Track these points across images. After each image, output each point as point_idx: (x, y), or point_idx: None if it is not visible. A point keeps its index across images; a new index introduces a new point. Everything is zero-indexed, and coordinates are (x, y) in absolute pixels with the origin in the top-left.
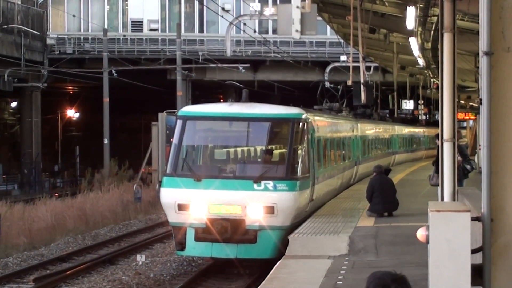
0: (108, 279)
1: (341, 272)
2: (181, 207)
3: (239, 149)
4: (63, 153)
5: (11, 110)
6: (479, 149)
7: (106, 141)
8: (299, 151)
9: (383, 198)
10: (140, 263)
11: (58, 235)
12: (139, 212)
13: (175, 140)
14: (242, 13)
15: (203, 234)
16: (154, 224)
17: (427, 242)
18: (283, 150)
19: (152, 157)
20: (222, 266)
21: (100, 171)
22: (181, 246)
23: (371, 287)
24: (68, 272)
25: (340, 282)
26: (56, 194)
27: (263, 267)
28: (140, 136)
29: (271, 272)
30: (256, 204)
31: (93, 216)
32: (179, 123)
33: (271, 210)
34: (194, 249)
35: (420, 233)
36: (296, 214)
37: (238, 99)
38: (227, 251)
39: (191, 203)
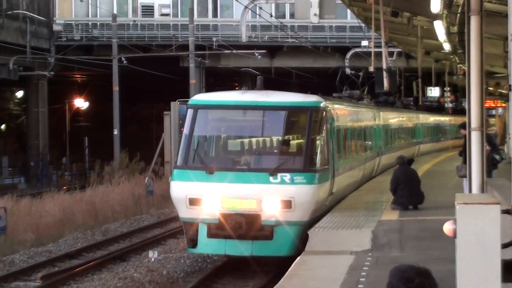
0: (119, 276)
1: (364, 268)
2: (192, 202)
3: (253, 140)
4: (71, 144)
5: (16, 100)
6: (509, 138)
7: (116, 132)
8: (318, 142)
9: (408, 190)
10: (153, 259)
11: (67, 231)
12: (151, 206)
13: (185, 130)
14: None
15: (216, 230)
16: (167, 218)
17: (455, 236)
18: (301, 141)
19: (164, 148)
20: (238, 263)
21: (110, 163)
22: (193, 243)
23: (394, 281)
24: (77, 269)
25: (363, 279)
26: (64, 187)
27: (281, 264)
28: (151, 126)
29: (290, 269)
30: (272, 198)
31: (103, 211)
32: (190, 112)
33: (288, 204)
34: (207, 246)
35: (447, 227)
36: (315, 208)
37: (254, 87)
38: (241, 248)
39: (203, 197)
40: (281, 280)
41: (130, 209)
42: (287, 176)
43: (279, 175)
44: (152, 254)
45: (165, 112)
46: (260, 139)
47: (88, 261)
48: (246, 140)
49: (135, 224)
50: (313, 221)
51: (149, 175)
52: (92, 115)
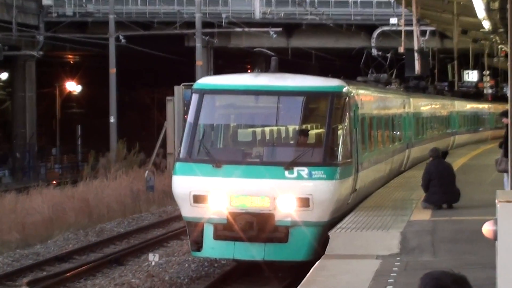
0: (115, 282)
1: (392, 274)
2: (197, 199)
3: (267, 129)
4: (62, 133)
5: (1, 83)
6: None
7: (112, 119)
8: (340, 132)
9: (442, 187)
10: (153, 263)
11: (56, 230)
12: (152, 203)
13: (190, 118)
14: None
15: (224, 232)
16: (169, 217)
17: (495, 238)
18: (320, 131)
19: (167, 138)
20: (249, 268)
21: (106, 155)
22: (198, 245)
23: None
24: (68, 274)
25: (391, 287)
26: (54, 182)
27: (298, 269)
28: (152, 113)
29: (308, 275)
30: (288, 196)
31: (97, 208)
32: (195, 97)
33: (305, 202)
34: (213, 249)
35: (487, 228)
36: (335, 207)
37: (268, 69)
38: (252, 252)
39: (209, 194)
40: (298, 287)
41: (128, 207)
42: (304, 171)
43: (295, 169)
44: (153, 258)
45: (168, 98)
46: (274, 128)
47: (81, 265)
48: (258, 130)
49: (134, 223)
50: (333, 221)
51: (150, 169)
52: (86, 100)
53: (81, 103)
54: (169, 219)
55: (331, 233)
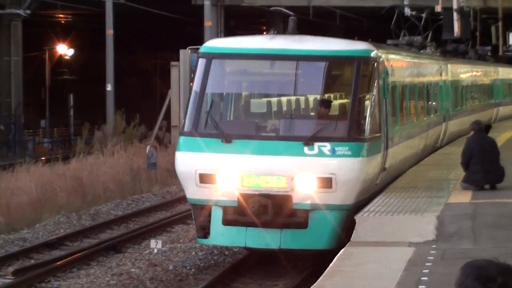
0: (112, 272)
1: (427, 264)
2: (203, 179)
3: (284, 99)
4: (52, 103)
5: None
6: None
7: (109, 87)
8: (367, 102)
9: (484, 165)
10: (155, 251)
11: (46, 213)
12: (154, 183)
13: (196, 86)
14: None
15: (234, 216)
16: (173, 199)
17: None
18: (345, 101)
19: (171, 109)
20: (264, 256)
21: (102, 127)
22: (204, 231)
23: (468, 280)
24: (58, 263)
25: (425, 278)
26: (43, 158)
27: (320, 259)
28: (155, 81)
29: (331, 264)
30: (308, 175)
31: (92, 188)
32: (201, 62)
33: (328, 183)
34: (222, 236)
35: None
36: (362, 188)
37: (285, 31)
38: (267, 239)
39: (218, 172)
40: (320, 278)
41: (127, 187)
42: (326, 147)
43: (316, 145)
44: (155, 244)
45: (172, 63)
46: (292, 98)
47: (73, 253)
48: (274, 100)
49: (133, 205)
50: (359, 204)
51: (152, 143)
52: (79, 66)
53: (73, 69)
54: (173, 201)
55: (357, 217)
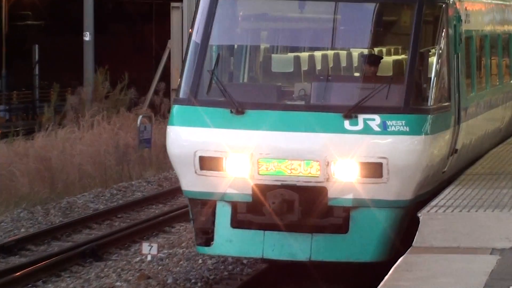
0: (91, 286)
1: None
2: (206, 164)
3: (317, 55)
4: (11, 58)
5: None
6: None
7: (88, 36)
8: (432, 59)
9: None
10: (149, 258)
11: (1, 206)
12: (148, 166)
13: (196, 35)
14: None
15: (248, 216)
16: (173, 188)
17: None
18: (401, 57)
19: (171, 67)
20: (293, 267)
21: (78, 91)
22: (206, 237)
23: None
24: (17, 274)
25: None
26: None
27: (371, 269)
28: (149, 28)
29: (387, 278)
30: (349, 159)
31: (64, 173)
32: (204, 3)
33: (376, 170)
34: (230, 243)
35: None
36: (423, 178)
37: None
38: (292, 247)
39: (226, 156)
40: None
41: (111, 171)
42: (375, 120)
43: (361, 117)
44: (148, 249)
45: (173, 4)
46: (329, 53)
47: (38, 260)
48: (303, 55)
49: (120, 196)
50: (420, 200)
51: (145, 113)
52: (47, 7)
53: (39, 11)
54: (173, 191)
55: (422, 214)
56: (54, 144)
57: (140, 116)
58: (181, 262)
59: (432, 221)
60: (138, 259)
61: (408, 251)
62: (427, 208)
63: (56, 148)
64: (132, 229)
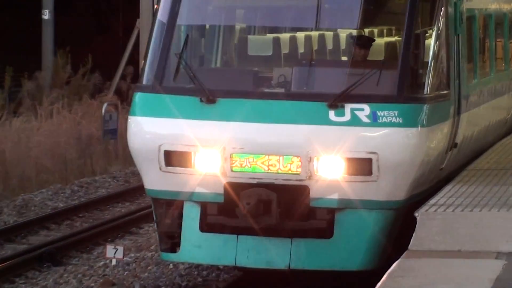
0: None
1: None
2: (172, 159)
3: (299, 36)
4: None
5: None
6: None
7: (46, 15)
8: (429, 41)
9: None
10: (114, 262)
11: None
12: (114, 159)
13: (162, 14)
14: None
15: (219, 218)
16: (140, 184)
17: None
18: (393, 39)
19: (140, 49)
20: (273, 273)
21: (35, 75)
22: (171, 242)
23: None
24: None
25: None
26: None
27: (360, 276)
28: (117, 5)
29: (379, 285)
30: (334, 155)
31: (19, 167)
32: None
33: (365, 167)
34: (199, 249)
35: None
36: (419, 175)
37: None
38: (270, 254)
39: (195, 150)
40: None
41: (72, 165)
42: (364, 110)
43: (348, 107)
44: (113, 253)
45: None
46: (313, 34)
47: None
48: (284, 37)
49: (81, 194)
50: (415, 200)
51: (111, 100)
52: None
53: None
54: (141, 187)
55: (419, 214)
56: (8, 135)
57: (105, 104)
58: (150, 267)
59: (430, 221)
60: (101, 263)
61: (403, 255)
62: (425, 207)
63: (10, 140)
64: (95, 230)
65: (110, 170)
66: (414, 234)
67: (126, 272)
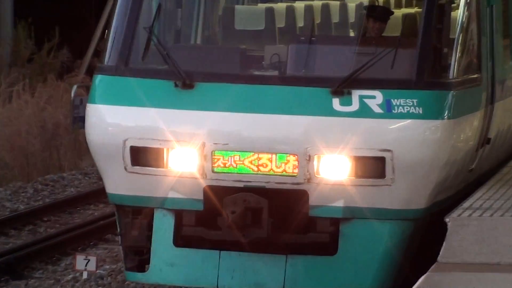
0: None
1: None
2: (140, 157)
3: (298, 7)
4: None
5: None
6: None
7: None
8: (455, 14)
9: None
10: (85, 275)
11: None
12: (84, 153)
13: None
14: None
15: (197, 230)
16: None
17: None
18: (412, 11)
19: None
20: None
21: None
22: (139, 258)
23: None
24: None
25: None
26: None
27: None
28: None
29: None
30: (338, 153)
31: None
32: None
33: (377, 167)
34: (173, 267)
35: None
36: (443, 178)
37: None
38: (260, 273)
39: (168, 146)
40: None
41: (36, 159)
42: (375, 98)
43: (355, 94)
44: (84, 264)
45: None
46: (315, 4)
47: None
48: (279, 7)
49: (47, 193)
50: (439, 209)
51: (81, 82)
52: None
53: None
54: None
55: (451, 220)
56: None
57: (75, 86)
58: (128, 282)
59: (464, 228)
60: (70, 276)
61: (431, 268)
62: (457, 211)
63: None
64: (63, 237)
65: (80, 165)
66: (444, 243)
67: (100, 287)
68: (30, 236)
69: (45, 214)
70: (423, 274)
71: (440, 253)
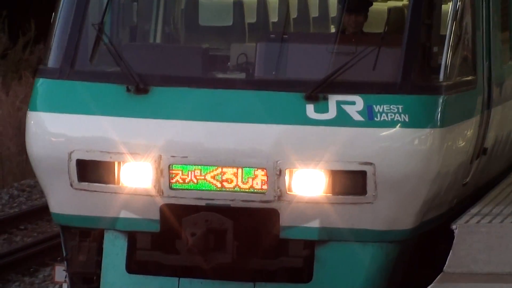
0: None
1: None
2: (88, 172)
3: (271, 0)
4: None
5: None
6: None
7: None
8: (446, 8)
9: None
10: (65, 287)
11: None
12: None
13: None
14: None
15: (153, 254)
16: None
17: None
18: (398, 4)
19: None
20: None
21: None
22: (86, 287)
23: None
24: None
25: None
26: None
27: None
28: None
29: None
30: (313, 167)
31: None
32: None
33: (357, 183)
34: None
35: None
36: (433, 194)
37: None
38: None
39: (120, 159)
40: None
41: (11, 163)
42: (355, 104)
43: (332, 99)
44: (64, 276)
45: None
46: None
47: None
48: (248, 0)
49: (23, 199)
50: (428, 229)
51: None
52: None
53: None
54: None
55: (458, 226)
56: None
57: None
58: None
59: (472, 235)
60: None
61: (437, 278)
62: (465, 218)
63: None
64: (41, 246)
65: None
66: (451, 252)
67: None
68: (5, 245)
69: (21, 222)
70: (428, 285)
71: (447, 262)
